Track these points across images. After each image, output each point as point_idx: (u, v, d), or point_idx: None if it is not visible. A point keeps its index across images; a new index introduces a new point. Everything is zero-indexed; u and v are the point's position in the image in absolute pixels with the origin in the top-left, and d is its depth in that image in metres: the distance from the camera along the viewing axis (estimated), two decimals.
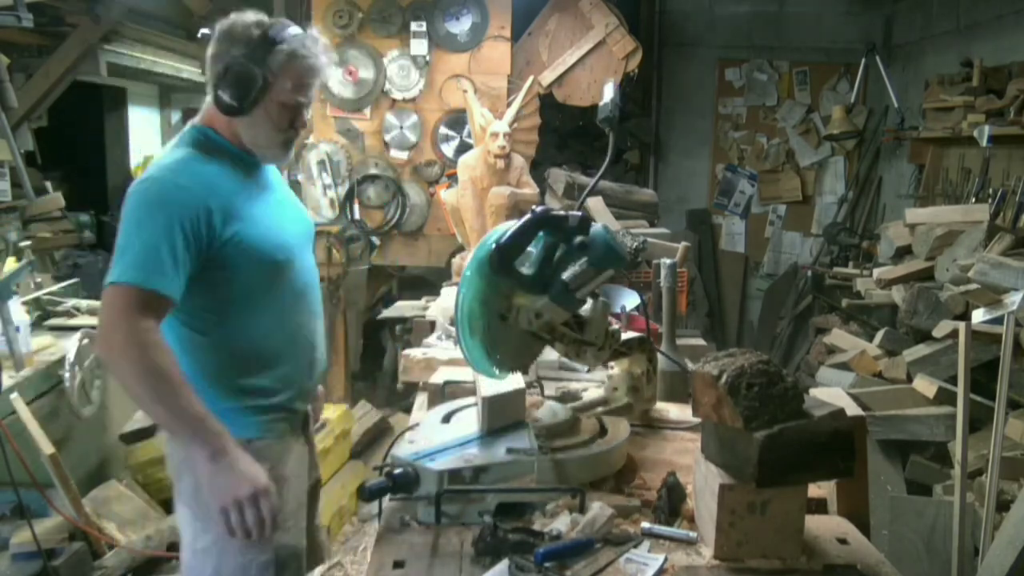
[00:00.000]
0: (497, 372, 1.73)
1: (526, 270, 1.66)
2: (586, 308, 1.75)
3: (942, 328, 3.44)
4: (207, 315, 1.69)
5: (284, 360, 1.78)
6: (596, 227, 1.64)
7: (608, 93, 1.85)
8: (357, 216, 4.80)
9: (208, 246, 1.62)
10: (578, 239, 1.63)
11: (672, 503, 1.54)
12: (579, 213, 1.63)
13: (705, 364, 1.43)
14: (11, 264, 3.66)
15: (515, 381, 1.78)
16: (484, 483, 1.55)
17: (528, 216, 1.63)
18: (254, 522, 1.55)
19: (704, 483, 1.45)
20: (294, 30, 1.69)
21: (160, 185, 1.60)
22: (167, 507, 3.43)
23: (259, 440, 1.73)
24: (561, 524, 1.45)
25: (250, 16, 1.67)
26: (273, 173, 1.88)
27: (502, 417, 1.71)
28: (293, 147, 1.79)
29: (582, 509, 1.49)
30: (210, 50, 1.68)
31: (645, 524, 1.49)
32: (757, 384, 1.35)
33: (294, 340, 1.81)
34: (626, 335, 1.92)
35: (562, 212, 1.63)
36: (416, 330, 3.14)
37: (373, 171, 4.79)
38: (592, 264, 1.64)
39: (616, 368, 2.01)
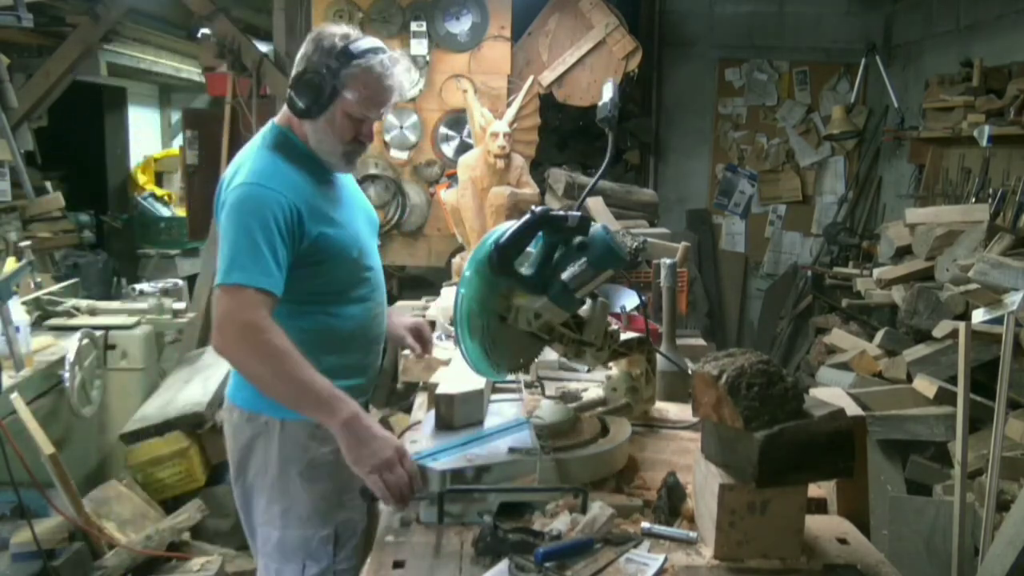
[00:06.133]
0: (496, 373, 1.74)
1: (525, 270, 1.66)
2: (585, 308, 1.75)
3: (942, 328, 3.44)
4: (290, 306, 1.76)
5: (359, 347, 1.90)
6: (596, 227, 1.64)
7: (607, 92, 1.84)
8: None
9: (300, 244, 1.73)
10: (577, 239, 1.63)
11: (672, 503, 1.54)
12: (578, 213, 1.63)
13: (705, 364, 1.43)
14: (11, 264, 3.66)
15: (476, 382, 1.81)
16: (486, 483, 1.55)
17: (527, 216, 1.63)
18: (404, 483, 1.52)
19: (704, 483, 1.45)
20: (373, 46, 1.76)
21: (255, 191, 1.70)
22: (167, 507, 3.43)
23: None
24: (561, 524, 1.46)
25: (342, 28, 1.77)
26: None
27: (459, 416, 1.75)
28: (357, 160, 1.87)
29: (584, 509, 1.49)
30: (298, 52, 1.77)
31: (645, 524, 1.49)
32: (757, 384, 1.35)
33: (368, 329, 1.91)
34: (626, 335, 1.92)
35: (562, 212, 1.63)
36: None
37: (373, 171, 4.78)
38: (591, 264, 1.64)
39: (615, 368, 2.01)
